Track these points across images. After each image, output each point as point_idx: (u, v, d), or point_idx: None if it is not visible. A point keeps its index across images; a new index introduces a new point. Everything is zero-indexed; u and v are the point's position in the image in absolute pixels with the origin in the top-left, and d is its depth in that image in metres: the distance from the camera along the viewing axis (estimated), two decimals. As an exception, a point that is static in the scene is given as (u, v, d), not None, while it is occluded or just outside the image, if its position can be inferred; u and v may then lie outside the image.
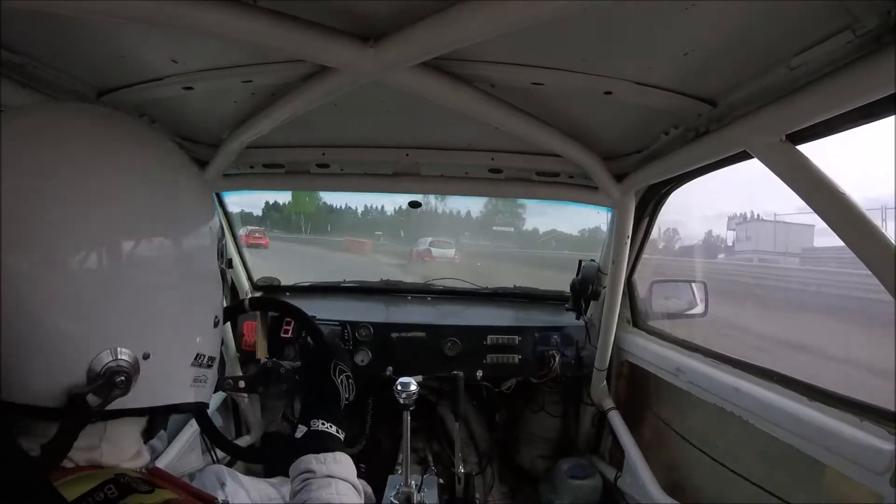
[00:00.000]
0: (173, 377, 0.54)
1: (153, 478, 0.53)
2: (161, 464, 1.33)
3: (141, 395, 0.49)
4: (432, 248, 13.68)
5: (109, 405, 0.47)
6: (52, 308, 0.45)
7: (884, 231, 0.75)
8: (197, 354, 0.56)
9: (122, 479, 0.47)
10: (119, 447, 0.53)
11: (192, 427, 1.59)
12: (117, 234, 0.48)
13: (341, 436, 0.84)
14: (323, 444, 0.79)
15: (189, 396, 0.56)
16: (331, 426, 0.82)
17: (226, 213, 1.92)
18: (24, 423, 0.48)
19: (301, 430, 0.79)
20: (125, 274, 0.48)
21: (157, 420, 0.59)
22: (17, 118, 0.50)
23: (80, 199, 0.46)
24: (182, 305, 0.53)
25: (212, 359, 0.60)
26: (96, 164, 0.49)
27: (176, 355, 0.53)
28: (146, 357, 0.49)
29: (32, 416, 0.46)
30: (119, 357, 0.47)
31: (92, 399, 0.45)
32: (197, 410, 0.61)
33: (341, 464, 0.78)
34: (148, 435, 0.59)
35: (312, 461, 0.77)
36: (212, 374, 0.61)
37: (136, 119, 0.61)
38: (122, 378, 0.46)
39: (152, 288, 0.50)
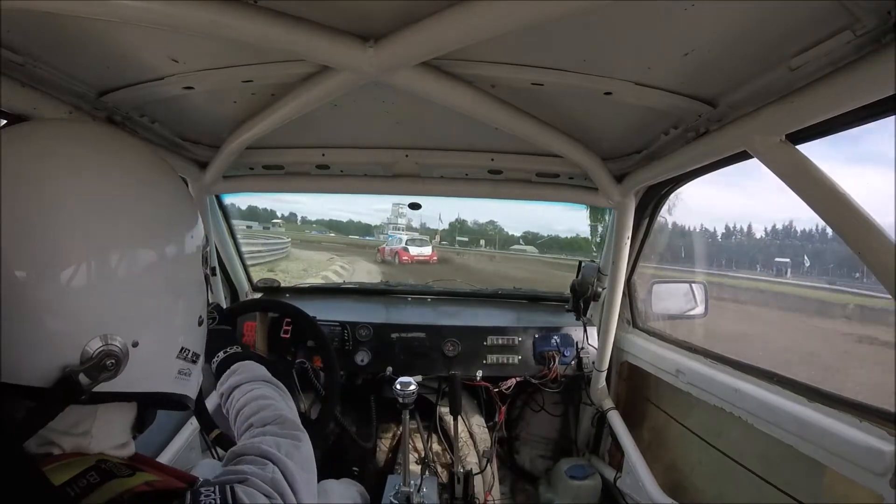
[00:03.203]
0: (159, 366, 0.58)
1: (134, 462, 0.56)
2: (161, 460, 1.33)
3: (129, 381, 0.53)
4: (409, 247, 13.64)
5: (99, 387, 0.51)
6: (55, 301, 0.49)
7: (884, 230, 0.75)
8: (182, 348, 0.61)
9: (103, 466, 0.50)
10: (108, 435, 0.57)
11: (192, 425, 1.59)
12: (112, 241, 0.53)
13: (236, 349, 0.95)
14: (223, 368, 0.90)
15: (173, 387, 0.61)
16: (231, 347, 0.94)
17: (225, 215, 1.92)
18: (14, 407, 0.50)
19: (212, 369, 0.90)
20: (119, 274, 0.53)
21: (146, 413, 0.63)
22: (12, 136, 0.54)
23: (78, 212, 0.51)
24: (168, 303, 0.58)
25: (196, 354, 0.64)
26: (92, 179, 0.54)
27: (162, 346, 0.58)
28: (135, 345, 0.53)
29: (25, 396, 0.49)
30: (110, 343, 0.51)
31: (83, 379, 0.49)
32: (182, 404, 0.65)
33: (239, 371, 0.87)
34: (137, 430, 0.62)
35: (220, 384, 0.87)
36: (196, 371, 0.65)
37: (129, 136, 0.67)
38: (113, 361, 0.51)
39: (142, 286, 0.55)
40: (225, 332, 1.01)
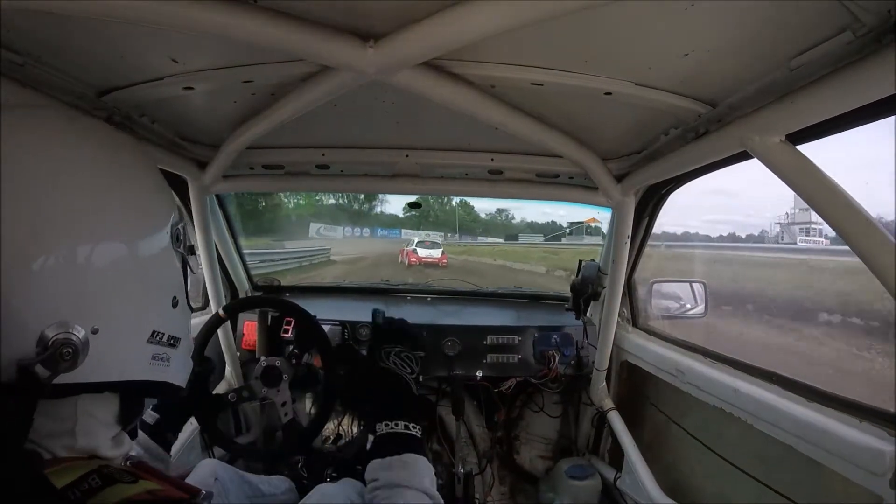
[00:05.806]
0: (127, 352, 0.55)
1: (137, 470, 0.54)
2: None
3: (95, 370, 0.51)
4: (418, 249, 13.72)
5: (62, 379, 0.48)
6: (6, 290, 0.46)
7: (884, 230, 0.75)
8: (153, 332, 0.57)
9: (105, 471, 0.49)
10: (93, 432, 0.54)
11: (192, 425, 1.59)
12: (63, 222, 0.50)
13: (414, 431, 0.79)
14: (389, 447, 0.76)
15: (148, 374, 0.57)
16: (397, 424, 0.78)
17: (226, 215, 1.92)
18: None
19: (370, 441, 0.78)
20: (72, 258, 0.50)
21: (130, 404, 0.59)
22: None
23: (27, 195, 0.49)
24: (130, 284, 0.55)
25: (174, 338, 0.60)
26: (43, 160, 0.52)
27: (127, 331, 0.55)
28: (94, 332, 0.50)
29: None
30: (67, 331, 0.48)
31: (40, 370, 0.46)
32: (168, 392, 0.62)
33: (409, 468, 0.74)
34: (125, 421, 0.59)
35: (377, 468, 0.74)
36: (177, 355, 0.62)
37: (88, 118, 0.64)
38: (70, 350, 0.48)
39: (98, 269, 0.52)
40: (390, 386, 0.87)
